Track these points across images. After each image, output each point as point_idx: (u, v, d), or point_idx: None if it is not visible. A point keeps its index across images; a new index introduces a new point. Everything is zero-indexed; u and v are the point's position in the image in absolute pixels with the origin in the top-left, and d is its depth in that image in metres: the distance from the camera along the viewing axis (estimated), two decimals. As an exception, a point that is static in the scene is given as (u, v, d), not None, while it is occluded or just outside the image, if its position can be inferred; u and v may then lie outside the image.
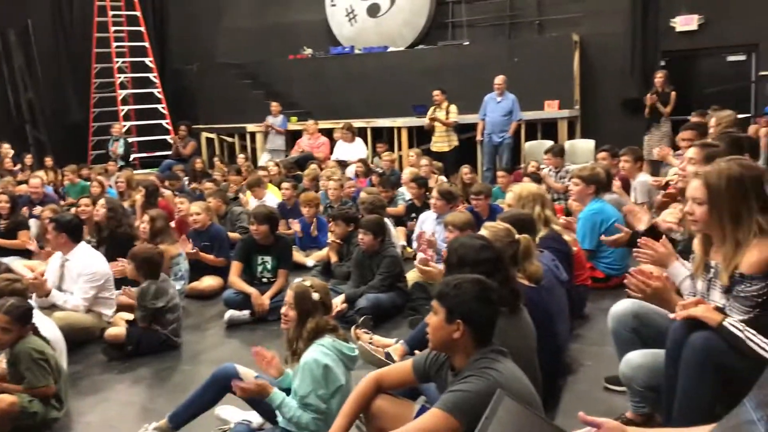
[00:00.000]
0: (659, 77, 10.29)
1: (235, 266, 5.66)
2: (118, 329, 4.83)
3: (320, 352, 3.06)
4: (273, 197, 8.39)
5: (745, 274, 2.58)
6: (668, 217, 3.78)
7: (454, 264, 3.04)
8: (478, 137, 10.88)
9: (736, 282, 2.62)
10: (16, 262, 6.24)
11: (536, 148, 11.09)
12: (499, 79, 10.53)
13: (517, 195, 4.52)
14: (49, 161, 11.30)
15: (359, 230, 5.45)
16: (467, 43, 12.55)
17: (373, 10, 13.44)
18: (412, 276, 5.53)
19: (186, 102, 14.22)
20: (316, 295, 3.18)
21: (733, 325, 2.41)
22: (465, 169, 8.99)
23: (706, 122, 6.11)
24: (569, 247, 4.46)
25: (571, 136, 11.44)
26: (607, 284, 5.26)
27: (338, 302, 5.03)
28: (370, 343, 4.40)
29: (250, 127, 13.14)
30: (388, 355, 3.88)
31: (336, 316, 4.94)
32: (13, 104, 13.19)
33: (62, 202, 9.12)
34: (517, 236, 3.39)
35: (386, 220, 6.74)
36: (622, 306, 3.10)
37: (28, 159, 11.53)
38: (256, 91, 13.51)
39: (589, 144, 10.78)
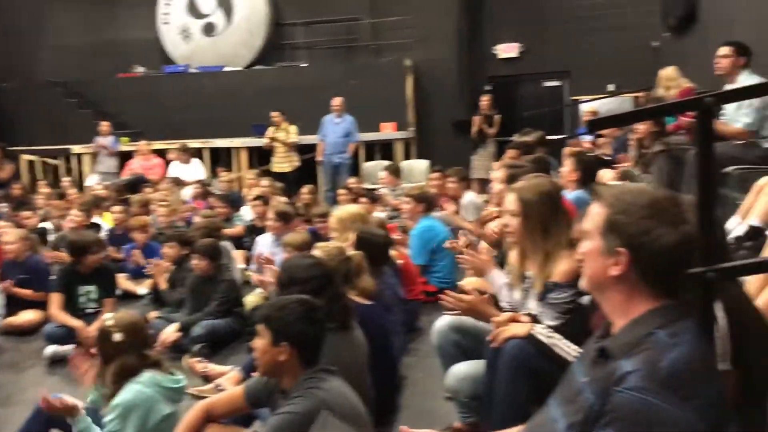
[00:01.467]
0: (485, 101, 10.97)
1: (55, 298, 5.26)
2: None
3: (135, 391, 2.84)
4: (102, 222, 7.93)
5: (557, 282, 2.81)
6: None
7: (284, 283, 3.05)
8: (318, 158, 10.97)
9: (548, 290, 2.84)
10: None
11: (374, 168, 11.39)
12: (337, 101, 10.71)
13: (339, 218, 4.61)
14: None
15: (194, 255, 5.30)
16: (305, 64, 12.67)
17: (209, 29, 13.19)
18: (251, 300, 5.46)
19: (2, 122, 13.10)
20: (118, 336, 2.93)
21: (540, 333, 2.61)
22: (305, 190, 9.03)
23: (528, 142, 6.63)
24: (395, 263, 4.62)
25: (407, 156, 11.86)
26: (438, 297, 5.48)
27: (171, 331, 4.85)
28: (204, 370, 4.30)
29: (76, 149, 12.37)
30: (219, 388, 3.80)
31: (170, 346, 4.78)
32: None
33: None
34: (349, 254, 3.46)
35: (224, 242, 6.63)
36: (442, 322, 3.26)
37: None
38: (82, 110, 12.74)
39: (424, 164, 11.24)
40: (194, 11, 13.22)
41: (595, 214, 1.67)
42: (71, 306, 5.30)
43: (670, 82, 6.53)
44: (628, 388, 1.48)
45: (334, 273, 3.21)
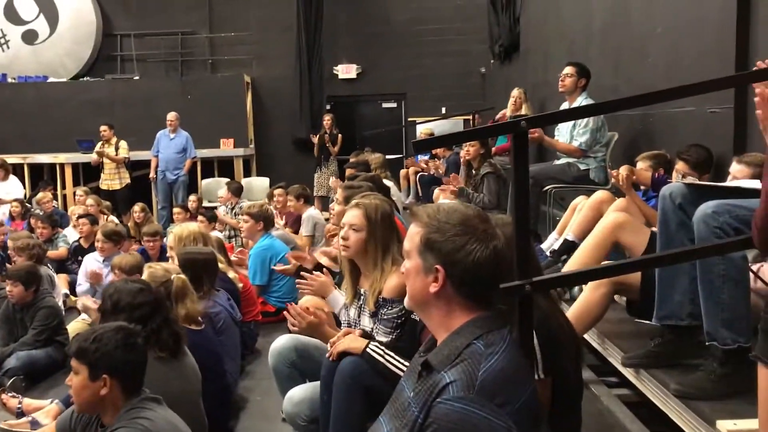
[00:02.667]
0: (327, 120, 11.07)
1: None
2: None
3: None
4: None
5: (387, 298, 2.86)
6: (322, 258, 4.05)
7: (108, 311, 2.86)
8: (152, 175, 10.51)
9: (380, 306, 2.88)
10: None
11: (213, 185, 11.10)
12: (171, 116, 10.33)
13: (178, 236, 4.43)
14: None
15: (7, 281, 4.85)
16: (138, 77, 12.12)
17: (30, 37, 12.27)
18: (75, 327, 5.09)
19: None
20: None
21: (374, 350, 2.65)
22: (136, 208, 8.61)
23: (367, 160, 6.77)
24: (235, 285, 4.51)
25: (247, 173, 11.68)
26: (278, 318, 5.40)
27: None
28: (19, 406, 3.94)
29: None
30: (34, 423, 3.50)
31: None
32: None
33: None
34: (172, 276, 3.31)
35: (45, 266, 6.13)
36: (281, 341, 3.20)
37: None
38: None
39: (264, 181, 11.12)
40: (13, 17, 12.23)
41: (413, 234, 1.73)
42: None
43: (518, 100, 7.09)
44: (447, 399, 1.53)
45: (162, 298, 3.07)
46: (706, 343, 2.52)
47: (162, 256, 5.88)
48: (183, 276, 3.43)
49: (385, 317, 2.84)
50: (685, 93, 2.83)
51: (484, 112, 9.49)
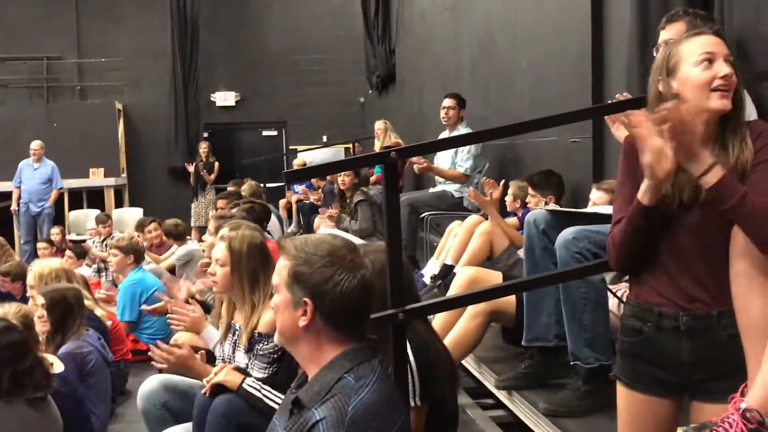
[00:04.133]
0: (203, 148, 10.82)
1: None
2: None
3: None
4: None
5: (262, 333, 2.79)
6: (196, 288, 3.92)
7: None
8: (14, 207, 9.84)
9: (255, 341, 2.81)
10: None
11: (81, 217, 10.53)
12: (35, 145, 9.74)
13: (38, 274, 4.15)
14: None
15: None
16: (-1, 103, 11.38)
17: None
18: None
19: None
20: None
21: (251, 386, 2.57)
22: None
23: (239, 190, 6.64)
24: (103, 323, 4.27)
25: (119, 204, 11.18)
26: (149, 356, 5.17)
27: None
28: None
29: None
30: None
31: None
32: None
33: None
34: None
35: None
36: (151, 383, 3.04)
37: None
38: None
39: (138, 212, 10.67)
40: None
41: (281, 267, 1.70)
42: None
43: (383, 134, 7.20)
44: None
45: (32, 336, 2.87)
46: (571, 363, 2.63)
47: (24, 297, 5.46)
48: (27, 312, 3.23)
49: (261, 353, 2.76)
50: (548, 124, 2.99)
51: (364, 140, 9.62)
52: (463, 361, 3.43)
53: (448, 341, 3.04)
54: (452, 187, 5.49)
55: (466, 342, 3.18)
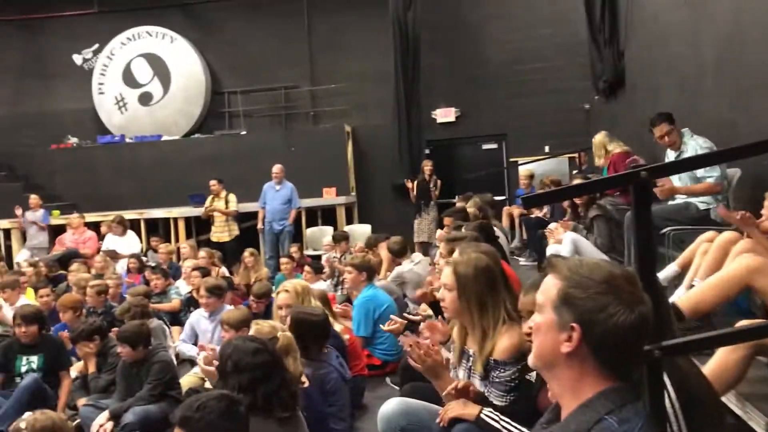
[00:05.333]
0: (428, 165, 11.06)
1: None
2: None
3: None
4: (27, 302, 7.50)
5: (498, 360, 2.70)
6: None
7: (229, 371, 2.85)
8: (259, 225, 10.80)
9: (491, 368, 2.72)
10: None
11: (317, 234, 11.26)
12: (276, 168, 10.62)
13: (294, 291, 4.43)
14: None
15: (117, 342, 4.99)
16: (244, 132, 12.60)
17: (146, 99, 13.06)
18: (188, 381, 5.17)
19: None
20: None
21: (489, 416, 2.49)
22: (246, 253, 8.84)
23: (464, 208, 6.61)
24: (342, 339, 4.44)
25: (350, 221, 11.78)
26: (384, 370, 5.31)
27: (102, 421, 4.54)
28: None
29: (3, 223, 11.88)
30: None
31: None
32: None
33: None
34: (277, 334, 3.29)
35: (158, 320, 6.33)
36: (390, 406, 3.07)
37: None
38: (12, 183, 12.32)
39: (366, 228, 11.18)
40: (130, 81, 13.08)
41: (550, 286, 1.59)
42: (10, 378, 5.23)
43: (600, 150, 6.64)
44: None
45: (279, 357, 3.04)
46: None
47: (268, 313, 5.92)
48: (289, 334, 3.40)
49: (497, 380, 2.68)
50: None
51: (590, 150, 9.16)
52: (723, 398, 3.05)
53: (707, 372, 2.72)
54: (697, 199, 4.99)
55: (725, 377, 2.82)
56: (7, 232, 11.94)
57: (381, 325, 4.28)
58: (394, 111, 11.99)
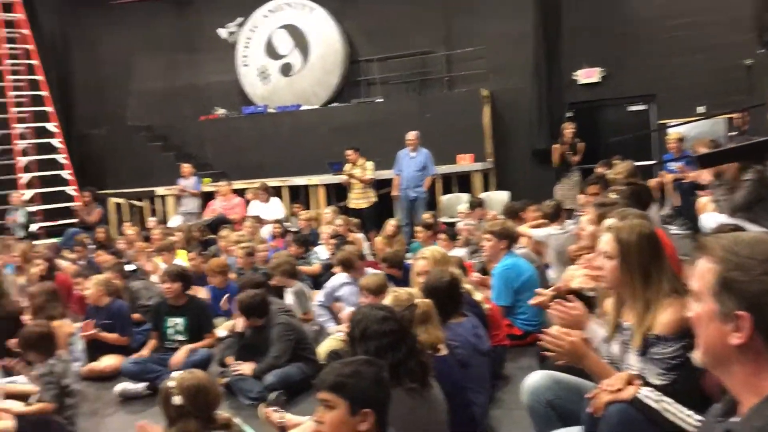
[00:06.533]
0: (568, 128, 10.59)
1: (151, 342, 5.57)
2: (2, 424, 4.34)
3: None
4: (181, 263, 7.98)
5: (660, 335, 2.49)
6: (575, 282, 3.69)
7: (357, 337, 2.85)
8: (394, 193, 10.85)
9: (650, 344, 2.52)
10: None
11: (452, 201, 11.16)
12: (411, 135, 10.58)
13: (433, 258, 4.37)
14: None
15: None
16: (380, 100, 12.64)
17: (286, 69, 13.41)
18: (328, 345, 5.26)
19: (94, 167, 13.66)
20: (177, 399, 2.84)
21: (648, 396, 2.30)
22: (392, 222, 8.90)
23: (604, 175, 6.23)
24: (481, 308, 4.33)
25: (486, 188, 11.58)
26: (525, 341, 5.13)
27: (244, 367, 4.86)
28: (281, 420, 4.12)
29: (160, 191, 12.73)
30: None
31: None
32: None
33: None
34: (416, 301, 3.23)
35: (301, 283, 6.51)
36: (535, 378, 2.91)
37: None
38: (166, 153, 13.16)
39: (504, 195, 10.93)
40: (272, 52, 13.47)
41: (705, 271, 1.40)
42: (160, 341, 5.53)
43: None
44: None
45: (407, 326, 3.00)
46: None
47: (405, 277, 5.90)
48: (428, 300, 3.34)
49: (657, 357, 2.47)
50: None
51: (753, 108, 8.38)
52: None
53: None
54: None
55: None
56: (163, 199, 12.79)
57: (522, 297, 4.13)
58: (534, 73, 11.55)
